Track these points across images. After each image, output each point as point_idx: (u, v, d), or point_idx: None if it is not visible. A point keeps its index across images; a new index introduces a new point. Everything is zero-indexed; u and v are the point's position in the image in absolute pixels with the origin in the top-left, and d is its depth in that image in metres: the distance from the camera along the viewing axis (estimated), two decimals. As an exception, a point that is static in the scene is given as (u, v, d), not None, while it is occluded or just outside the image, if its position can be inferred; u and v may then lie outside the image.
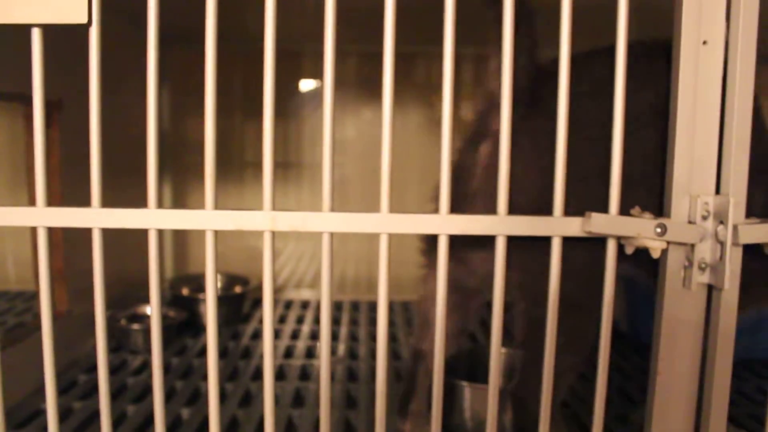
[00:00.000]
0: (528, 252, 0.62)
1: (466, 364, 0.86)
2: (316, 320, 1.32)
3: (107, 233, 0.60)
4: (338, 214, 0.59)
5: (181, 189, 1.54)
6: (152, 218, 0.60)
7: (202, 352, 1.14)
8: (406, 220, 0.59)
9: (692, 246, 0.60)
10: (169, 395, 0.96)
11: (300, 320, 1.37)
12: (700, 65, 0.60)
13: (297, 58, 1.51)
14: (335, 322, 1.33)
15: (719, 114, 0.61)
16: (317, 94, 1.54)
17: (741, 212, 0.61)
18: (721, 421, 0.63)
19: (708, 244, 0.61)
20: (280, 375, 1.06)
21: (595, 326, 0.71)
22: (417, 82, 1.55)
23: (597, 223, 0.59)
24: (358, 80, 1.52)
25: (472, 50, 1.42)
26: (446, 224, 0.59)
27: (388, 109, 0.58)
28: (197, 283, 1.40)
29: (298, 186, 1.56)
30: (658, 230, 0.59)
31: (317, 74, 1.53)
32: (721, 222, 0.60)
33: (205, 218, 0.60)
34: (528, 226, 0.60)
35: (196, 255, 1.55)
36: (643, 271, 0.76)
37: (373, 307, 1.45)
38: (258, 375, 1.04)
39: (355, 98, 1.53)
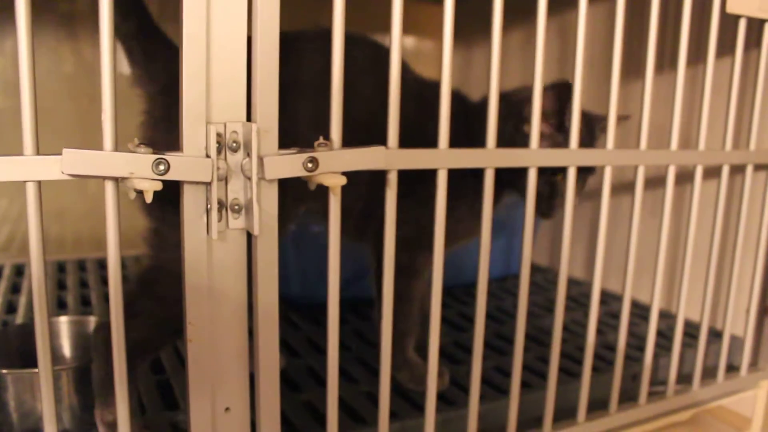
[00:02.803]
0: None
1: (18, 346, 0.71)
2: (13, 289, 1.09)
3: None
4: None
5: None
6: None
7: None
8: None
9: (210, 185, 0.50)
10: None
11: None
12: (213, -37, 0.49)
13: None
14: (60, 286, 1.11)
15: (246, 24, 0.51)
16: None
17: (271, 141, 0.51)
18: (272, 381, 0.56)
19: (240, 181, 0.52)
20: None
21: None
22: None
23: (73, 162, 0.46)
24: None
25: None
26: None
27: None
28: None
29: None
30: (160, 167, 0.48)
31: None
32: (249, 154, 0.51)
33: None
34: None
35: None
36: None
37: (103, 264, 1.25)
38: None
39: None
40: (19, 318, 0.94)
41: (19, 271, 1.19)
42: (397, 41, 0.56)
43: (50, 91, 1.27)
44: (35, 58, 0.45)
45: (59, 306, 1.01)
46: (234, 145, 0.51)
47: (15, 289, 1.09)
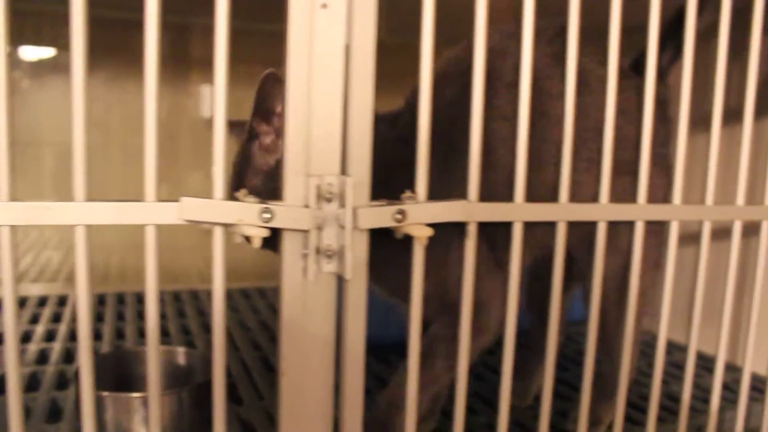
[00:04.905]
0: None
1: (111, 371, 0.76)
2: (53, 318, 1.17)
3: None
4: None
5: None
6: None
7: None
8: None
9: (308, 232, 0.54)
10: None
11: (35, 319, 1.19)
12: (317, 31, 0.54)
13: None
14: (98, 318, 1.18)
15: (343, 87, 0.56)
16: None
17: (363, 194, 0.56)
18: (356, 419, 0.59)
19: (333, 229, 0.56)
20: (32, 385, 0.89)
21: None
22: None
23: (191, 209, 0.51)
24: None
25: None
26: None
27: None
28: None
29: (37, 167, 1.40)
30: (265, 216, 0.53)
31: (48, 41, 1.37)
32: (343, 205, 0.55)
33: None
34: (117, 213, 0.51)
35: None
36: None
37: (141, 299, 1.31)
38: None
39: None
40: (104, 345, 1.00)
41: (101, 300, 1.27)
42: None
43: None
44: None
45: (96, 338, 1.06)
46: (329, 196, 0.56)
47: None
